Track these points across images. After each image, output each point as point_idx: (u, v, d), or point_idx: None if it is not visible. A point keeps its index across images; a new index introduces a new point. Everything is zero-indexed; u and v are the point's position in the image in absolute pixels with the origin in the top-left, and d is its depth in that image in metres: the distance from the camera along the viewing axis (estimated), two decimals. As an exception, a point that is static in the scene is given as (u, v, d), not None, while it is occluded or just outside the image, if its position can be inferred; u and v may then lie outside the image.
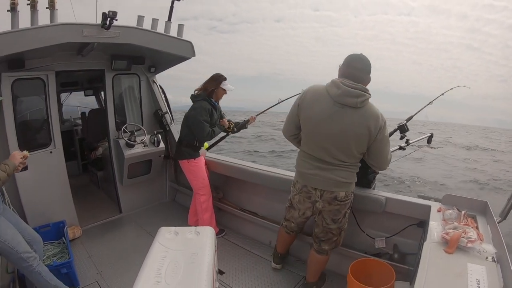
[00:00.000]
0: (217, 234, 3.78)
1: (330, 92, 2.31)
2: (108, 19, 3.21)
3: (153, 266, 2.17)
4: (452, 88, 3.84)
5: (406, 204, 2.73)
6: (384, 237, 2.89)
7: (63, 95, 7.14)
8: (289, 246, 3.25)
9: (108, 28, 3.29)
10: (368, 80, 2.35)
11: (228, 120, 4.00)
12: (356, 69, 2.31)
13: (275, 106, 4.25)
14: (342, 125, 2.28)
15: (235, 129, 4.03)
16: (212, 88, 3.61)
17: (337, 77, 2.39)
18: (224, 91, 3.69)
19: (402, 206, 2.75)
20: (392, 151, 2.88)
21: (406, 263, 2.77)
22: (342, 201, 2.50)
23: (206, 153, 4.03)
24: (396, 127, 3.23)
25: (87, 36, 3.28)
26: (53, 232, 3.61)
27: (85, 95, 7.26)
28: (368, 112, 2.27)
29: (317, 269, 2.87)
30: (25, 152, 2.62)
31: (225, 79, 3.65)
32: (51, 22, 3.28)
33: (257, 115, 4.15)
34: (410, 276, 2.53)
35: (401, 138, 3.25)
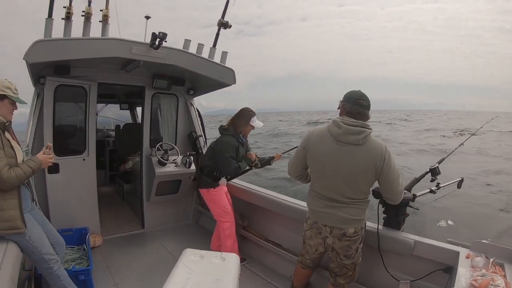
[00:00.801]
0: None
1: (332, 132, 2.39)
2: (158, 39, 3.35)
3: (177, 284, 2.17)
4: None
5: (434, 248, 2.64)
6: (409, 281, 2.79)
7: (99, 106, 7.36)
8: (306, 281, 3.16)
9: (157, 48, 3.43)
10: (368, 117, 2.43)
11: (255, 153, 3.98)
12: (362, 107, 2.39)
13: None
14: (348, 163, 2.33)
15: (259, 165, 3.94)
16: (242, 128, 3.62)
17: (338, 116, 2.48)
18: (253, 127, 3.68)
19: (430, 250, 2.66)
20: (422, 194, 2.95)
21: None
22: (352, 237, 2.49)
23: (225, 183, 3.95)
24: (428, 170, 3.13)
25: (135, 53, 3.41)
26: (75, 238, 3.65)
27: (120, 109, 7.47)
28: (371, 146, 2.33)
29: None
30: (48, 144, 2.64)
31: (254, 114, 3.63)
32: (102, 35, 3.46)
33: (283, 153, 4.07)
34: None
35: (432, 180, 3.16)
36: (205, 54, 4.09)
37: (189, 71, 4.03)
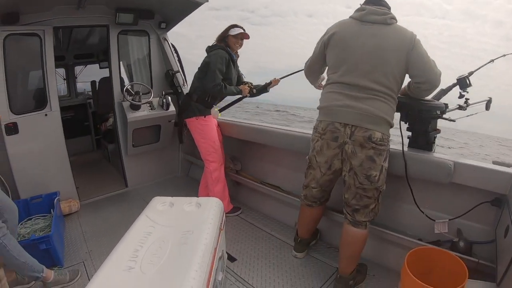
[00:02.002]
0: (231, 212, 3.29)
1: (355, 16, 2.12)
2: None
3: (130, 245, 1.60)
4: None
5: (481, 172, 1.98)
6: (447, 219, 2.15)
7: (77, 68, 6.80)
8: (314, 227, 2.61)
9: None
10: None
11: (247, 82, 3.44)
12: (381, 4, 2.10)
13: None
14: (376, 39, 2.00)
15: (254, 91, 3.43)
16: (222, 39, 3.16)
17: None
18: (236, 40, 3.16)
19: (475, 175, 2.00)
20: (451, 110, 2.38)
21: (473, 255, 2.05)
22: (378, 144, 1.97)
23: (218, 115, 3.45)
24: (456, 81, 2.49)
25: None
26: (45, 204, 3.22)
27: (100, 68, 6.82)
28: (398, 28, 2.03)
29: (353, 252, 2.18)
30: None
31: (234, 26, 3.15)
32: None
33: (281, 78, 3.54)
34: (479, 272, 1.91)
35: (460, 96, 2.50)
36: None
37: None
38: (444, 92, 2.46)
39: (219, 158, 3.27)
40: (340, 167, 2.12)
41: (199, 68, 3.20)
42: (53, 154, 3.51)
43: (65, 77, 6.67)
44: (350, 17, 2.15)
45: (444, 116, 2.30)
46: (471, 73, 2.56)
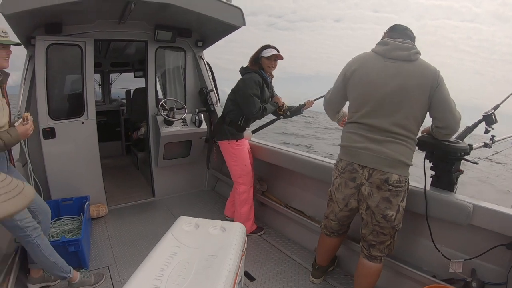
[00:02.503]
0: (254, 232, 3.32)
1: (378, 51, 2.11)
2: None
3: (157, 263, 1.67)
4: None
5: (499, 216, 1.98)
6: (462, 259, 2.14)
7: (112, 75, 7.12)
8: (332, 254, 2.63)
9: None
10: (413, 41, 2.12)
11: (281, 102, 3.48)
12: (401, 30, 2.13)
13: None
14: (400, 79, 1.99)
15: (288, 113, 3.46)
16: (255, 61, 3.16)
17: None
18: (269, 62, 3.14)
19: (493, 218, 2.00)
20: (477, 147, 2.41)
21: None
22: (395, 186, 1.99)
23: (251, 137, 3.51)
24: (481, 117, 2.46)
25: None
26: (75, 207, 3.35)
27: (135, 76, 7.10)
28: (423, 64, 2.01)
29: (368, 284, 2.23)
30: (25, 114, 2.23)
31: (267, 47, 3.14)
32: None
33: (315, 100, 3.50)
34: None
35: (486, 131, 2.48)
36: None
37: (192, 18, 3.58)
38: (470, 129, 2.44)
39: (249, 180, 3.32)
40: (356, 206, 2.17)
41: (232, 90, 3.25)
42: (86, 160, 3.66)
43: (100, 83, 6.96)
44: (373, 51, 2.14)
45: (468, 157, 2.29)
46: (496, 107, 2.54)
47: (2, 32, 2.09)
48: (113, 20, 3.72)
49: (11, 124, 2.27)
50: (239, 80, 3.19)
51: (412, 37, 2.10)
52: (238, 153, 3.26)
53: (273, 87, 3.41)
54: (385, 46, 2.07)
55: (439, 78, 1.95)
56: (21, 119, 2.19)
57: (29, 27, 3.24)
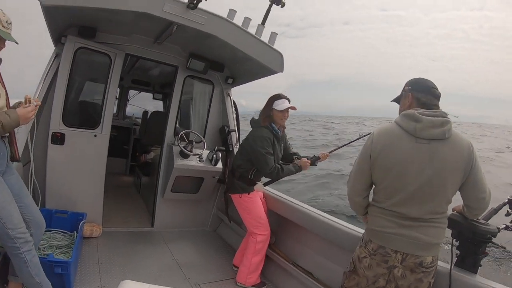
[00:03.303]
0: (256, 285, 3.14)
1: (407, 128, 1.90)
2: None
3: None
4: None
5: None
6: None
7: (131, 92, 7.12)
8: None
9: (194, 7, 2.85)
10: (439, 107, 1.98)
11: (293, 153, 3.41)
12: (436, 97, 1.97)
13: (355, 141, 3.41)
14: (435, 164, 1.84)
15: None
16: (266, 115, 3.06)
17: (408, 108, 2.00)
18: (281, 113, 3.04)
19: None
20: (501, 229, 2.28)
21: None
22: (428, 267, 1.91)
23: (263, 189, 3.40)
24: (506, 200, 2.41)
25: (168, 11, 2.84)
26: (69, 222, 3.17)
27: (153, 98, 7.11)
28: (457, 141, 1.87)
29: None
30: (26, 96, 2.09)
31: (278, 97, 3.05)
32: None
33: (330, 152, 3.43)
34: None
35: (507, 214, 2.42)
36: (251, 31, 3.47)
37: (229, 55, 3.56)
38: (495, 211, 2.39)
39: (267, 231, 3.17)
40: (384, 285, 2.04)
41: (242, 144, 3.20)
42: (91, 175, 3.52)
43: (118, 97, 6.95)
44: (401, 126, 1.94)
45: (494, 240, 2.19)
46: None
47: (7, 23, 1.99)
48: (149, 38, 3.69)
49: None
50: (249, 134, 3.11)
51: (438, 96, 1.98)
52: (250, 206, 3.15)
53: (286, 136, 3.33)
54: (416, 123, 1.88)
55: (473, 155, 1.86)
56: (25, 99, 2.07)
57: (63, 25, 3.19)
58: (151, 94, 7.17)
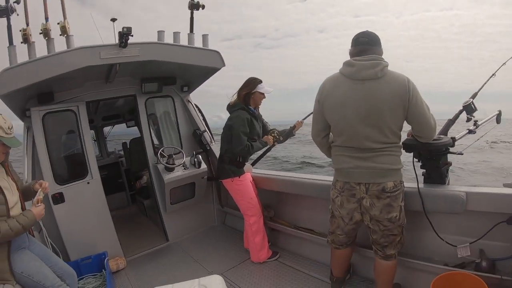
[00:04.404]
0: (270, 257, 3.45)
1: (345, 73, 2.18)
2: (124, 36, 3.05)
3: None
4: None
5: (491, 197, 2.19)
6: (468, 243, 2.32)
7: (106, 129, 7.31)
8: (347, 265, 2.78)
9: (125, 46, 3.14)
10: (379, 52, 2.18)
11: (272, 130, 3.61)
12: (363, 44, 2.17)
13: None
14: (370, 100, 2.09)
15: (281, 139, 3.60)
16: (247, 91, 3.29)
17: None
18: (262, 95, 3.35)
19: (486, 200, 2.21)
20: (461, 137, 2.61)
21: (497, 271, 2.23)
22: (392, 192, 2.17)
23: (252, 169, 3.66)
24: (461, 108, 2.71)
25: (106, 57, 3.15)
26: (95, 264, 3.48)
27: (127, 127, 7.26)
28: (391, 78, 2.08)
29: (388, 280, 2.42)
30: (39, 197, 2.40)
31: (260, 81, 3.31)
32: (68, 48, 3.19)
33: (304, 119, 3.65)
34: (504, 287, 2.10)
35: (468, 120, 2.71)
36: (184, 42, 3.77)
37: (175, 67, 3.78)
38: (452, 122, 2.67)
39: (258, 211, 3.44)
40: (360, 218, 2.33)
41: (224, 130, 3.39)
42: (97, 217, 3.77)
43: (95, 139, 7.13)
44: (341, 72, 2.21)
45: (453, 150, 2.49)
46: (475, 95, 2.77)
47: (8, 128, 2.21)
48: (101, 80, 3.92)
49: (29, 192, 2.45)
50: (228, 120, 3.34)
51: (375, 42, 2.18)
52: (242, 189, 3.40)
53: (261, 116, 3.54)
54: (351, 68, 2.14)
55: (410, 88, 2.04)
56: (34, 201, 2.35)
57: (23, 100, 3.41)
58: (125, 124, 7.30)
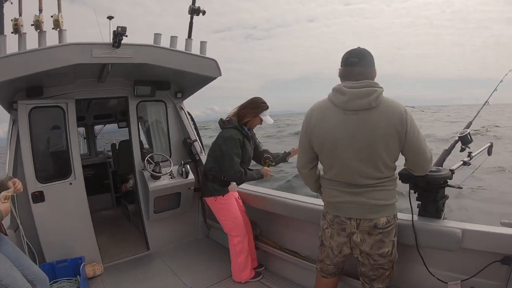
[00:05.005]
0: (253, 278, 3.32)
1: (335, 102, 1.99)
2: (118, 36, 2.94)
3: None
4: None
5: (487, 236, 2.08)
6: (459, 280, 2.20)
7: (97, 127, 7.20)
8: None
9: (118, 46, 3.03)
10: (372, 74, 2.00)
11: (266, 157, 3.40)
12: (353, 65, 1.97)
13: None
14: (364, 133, 1.91)
15: (274, 163, 3.41)
16: (248, 119, 3.12)
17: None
18: (260, 122, 3.18)
19: (482, 239, 2.10)
20: (456, 168, 2.45)
21: None
22: (384, 228, 2.02)
23: (237, 188, 3.48)
24: (457, 138, 2.61)
25: (97, 56, 3.04)
26: (71, 268, 3.39)
27: (119, 127, 7.16)
28: (387, 108, 1.90)
29: None
30: (8, 194, 2.31)
31: (267, 108, 3.13)
32: (59, 43, 3.09)
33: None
34: None
35: (462, 150, 2.61)
36: (181, 47, 3.67)
37: (170, 72, 3.67)
38: (448, 152, 2.56)
39: (242, 231, 3.27)
40: (350, 252, 2.19)
41: (212, 147, 3.24)
42: (77, 220, 3.65)
43: (85, 136, 7.01)
44: (331, 100, 2.02)
45: (451, 183, 2.37)
46: (469, 124, 2.68)
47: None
48: (93, 79, 3.81)
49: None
50: (218, 137, 3.17)
51: (367, 62, 1.99)
52: (226, 208, 3.25)
53: (255, 135, 3.39)
54: (342, 96, 1.95)
55: (407, 119, 1.89)
56: (2, 196, 2.25)
57: (10, 92, 3.31)
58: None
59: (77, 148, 3.70)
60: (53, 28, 3.11)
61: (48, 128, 3.85)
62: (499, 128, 22.84)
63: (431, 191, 2.28)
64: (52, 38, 3.09)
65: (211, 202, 3.29)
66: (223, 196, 3.22)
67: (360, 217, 2.03)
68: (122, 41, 3.03)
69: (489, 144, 2.80)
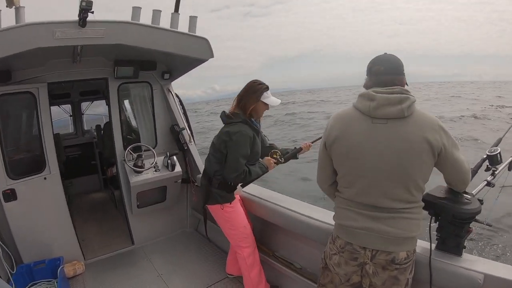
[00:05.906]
0: None
1: (362, 109, 1.72)
2: (82, 12, 2.47)
3: None
4: None
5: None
6: None
7: (84, 104, 6.79)
8: None
9: (84, 25, 2.57)
10: (403, 82, 1.75)
11: (273, 151, 2.94)
12: (381, 74, 1.73)
13: None
14: (396, 145, 1.64)
15: (282, 160, 2.92)
16: (251, 107, 2.60)
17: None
18: (266, 106, 2.67)
19: (505, 285, 1.74)
20: (479, 190, 2.09)
21: None
22: (402, 264, 1.72)
23: (241, 190, 3.03)
24: (485, 156, 2.22)
25: (61, 37, 2.58)
26: (49, 270, 3.16)
27: (106, 104, 6.74)
28: (420, 118, 1.65)
29: None
30: None
31: (266, 88, 2.63)
32: (16, 23, 2.64)
33: (313, 142, 2.99)
34: None
35: (487, 170, 2.21)
36: (166, 24, 3.16)
37: (154, 50, 3.16)
38: (474, 172, 2.14)
39: (252, 241, 2.85)
40: (359, 281, 1.88)
41: (215, 146, 2.68)
42: (55, 217, 3.39)
43: (71, 114, 6.64)
44: (356, 107, 1.77)
45: (479, 218, 1.95)
46: (499, 141, 2.31)
47: None
48: (67, 59, 3.39)
49: None
50: (224, 133, 2.60)
51: (396, 70, 1.75)
52: (234, 216, 2.80)
53: (260, 129, 2.87)
54: (370, 102, 1.69)
55: (443, 133, 1.64)
56: None
57: None
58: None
59: (51, 138, 3.35)
60: (7, 6, 2.68)
61: (18, 118, 3.48)
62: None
63: (455, 224, 1.91)
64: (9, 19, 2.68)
65: (217, 210, 2.80)
66: (230, 203, 2.76)
67: (377, 248, 1.72)
68: (92, 19, 2.57)
69: (511, 158, 2.35)
